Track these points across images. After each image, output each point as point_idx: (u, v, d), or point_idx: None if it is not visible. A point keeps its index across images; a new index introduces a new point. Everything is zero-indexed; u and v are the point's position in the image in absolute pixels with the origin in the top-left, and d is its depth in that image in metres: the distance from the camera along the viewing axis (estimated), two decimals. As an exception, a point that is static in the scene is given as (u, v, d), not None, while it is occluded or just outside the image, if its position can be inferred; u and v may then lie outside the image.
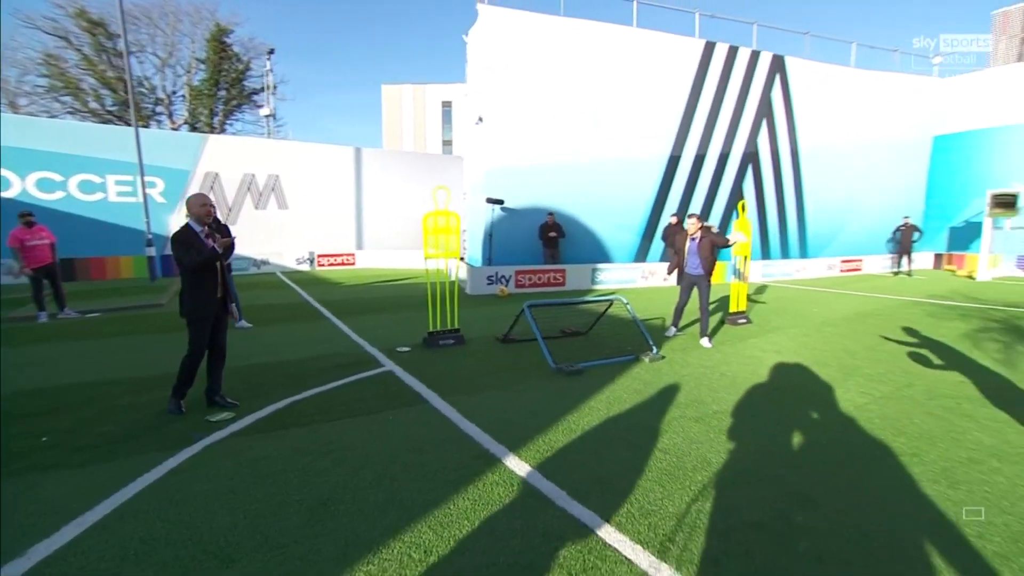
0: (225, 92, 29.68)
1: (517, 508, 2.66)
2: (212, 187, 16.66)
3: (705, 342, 6.59)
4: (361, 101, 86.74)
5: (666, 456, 3.28)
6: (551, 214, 12.85)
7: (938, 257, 17.57)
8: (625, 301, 6.83)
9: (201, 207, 4.01)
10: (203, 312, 3.99)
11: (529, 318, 5.96)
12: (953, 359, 5.71)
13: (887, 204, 17.58)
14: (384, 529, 2.46)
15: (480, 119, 12.48)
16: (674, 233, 13.71)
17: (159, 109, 26.96)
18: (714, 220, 15.26)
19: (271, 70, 23.00)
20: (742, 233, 7.53)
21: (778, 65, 15.42)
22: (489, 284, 11.84)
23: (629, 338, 6.83)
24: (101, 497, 2.74)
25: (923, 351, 6.06)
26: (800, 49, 15.85)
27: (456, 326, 6.83)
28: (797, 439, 3.54)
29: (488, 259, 12.57)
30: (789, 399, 4.41)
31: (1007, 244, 15.37)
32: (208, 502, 2.71)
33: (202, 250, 3.90)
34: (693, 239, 6.80)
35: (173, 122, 27.53)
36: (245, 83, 30.56)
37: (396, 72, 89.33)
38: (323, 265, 17.45)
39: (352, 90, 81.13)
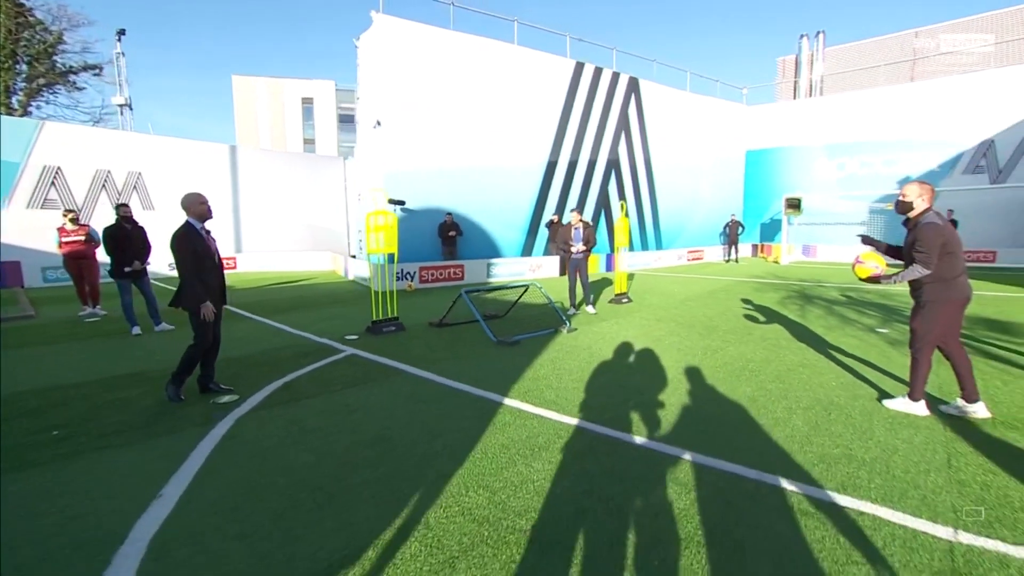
0: (28, 68, 25.00)
1: (526, 423, 3.70)
2: (54, 182, 14.59)
3: (590, 308, 8.27)
4: (206, 91, 77.94)
5: (609, 386, 4.56)
6: (449, 214, 13.78)
7: (755, 247, 22.10)
8: (539, 286, 8.14)
9: (200, 205, 4.31)
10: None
11: (468, 303, 6.95)
12: (773, 316, 7.95)
13: (718, 204, 21.55)
14: (441, 447, 3.33)
15: (378, 123, 12.93)
16: (556, 229, 15.61)
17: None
18: (585, 218, 17.45)
19: (122, 53, 20.14)
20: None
21: (634, 86, 18.11)
22: (396, 280, 12.40)
23: (542, 317, 8.11)
24: (179, 460, 3.16)
25: (755, 313, 8.28)
26: (650, 73, 18.74)
27: (396, 314, 7.51)
28: (690, 371, 5.06)
29: (391, 257, 13.08)
30: (676, 349, 6.00)
31: (798, 236, 20.00)
32: (282, 450, 3.31)
33: (207, 250, 4.22)
34: (576, 228, 8.42)
35: (-59, 98, 22.39)
36: (57, 59, 26.01)
37: (246, 63, 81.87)
38: (200, 270, 16.23)
39: (195, 78, 72.70)
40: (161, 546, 2.29)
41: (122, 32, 19.62)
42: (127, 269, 7.09)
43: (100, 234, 7.25)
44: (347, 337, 6.75)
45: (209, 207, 4.40)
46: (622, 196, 18.28)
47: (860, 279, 3.90)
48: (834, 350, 5.77)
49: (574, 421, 3.74)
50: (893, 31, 25.90)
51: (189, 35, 72.67)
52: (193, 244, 4.19)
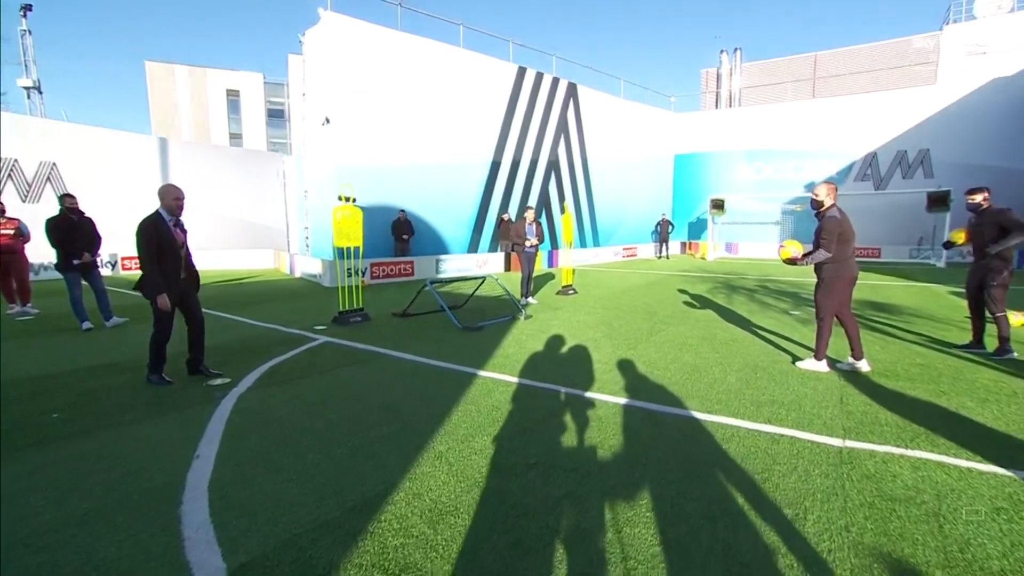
0: None
1: (508, 389, 4.25)
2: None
3: (531, 300, 8.96)
4: (112, 76, 71.57)
5: (572, 359, 5.20)
6: (402, 211, 14.02)
7: (683, 244, 23.90)
8: (496, 278, 8.70)
9: (175, 200, 4.41)
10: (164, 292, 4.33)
11: (435, 294, 7.38)
12: (704, 303, 8.99)
13: (650, 204, 23.09)
14: (439, 409, 3.81)
15: (327, 120, 12.93)
16: (507, 227, 16.25)
17: None
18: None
19: (28, 31, 18.27)
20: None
21: (572, 91, 19.09)
22: (348, 276, 12.47)
23: (498, 307, 8.67)
24: (198, 429, 3.42)
25: (688, 301, 9.30)
26: (586, 79, 19.83)
27: (361, 306, 7.78)
28: (640, 347, 5.81)
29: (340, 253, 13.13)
30: (625, 330, 6.76)
31: (721, 234, 21.89)
32: (295, 418, 3.64)
33: (172, 241, 4.32)
34: (531, 225, 9.12)
35: None
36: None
37: (159, 49, 76.03)
38: (129, 268, 15.34)
39: (97, 61, 66.60)
40: (221, 489, 2.62)
41: (28, 8, 17.79)
42: (76, 262, 6.89)
43: (43, 227, 6.95)
44: (316, 327, 6.98)
45: (182, 204, 4.48)
46: (563, 196, 19.21)
47: (782, 260, 4.85)
48: (757, 328, 6.77)
49: (549, 386, 4.34)
50: (798, 53, 29.04)
51: (92, 12, 66.50)
52: (158, 233, 4.25)
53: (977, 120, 18.22)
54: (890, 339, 6.02)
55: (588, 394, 4.12)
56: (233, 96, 47.77)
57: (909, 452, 2.98)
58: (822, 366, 4.73)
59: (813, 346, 4.90)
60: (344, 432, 3.39)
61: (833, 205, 4.65)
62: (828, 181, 4.84)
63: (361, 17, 13.30)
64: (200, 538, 2.20)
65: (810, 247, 4.76)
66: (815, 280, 4.82)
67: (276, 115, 47.86)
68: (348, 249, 7.71)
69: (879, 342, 5.83)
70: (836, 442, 3.14)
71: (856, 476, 2.72)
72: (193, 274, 4.73)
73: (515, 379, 4.55)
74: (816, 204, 4.73)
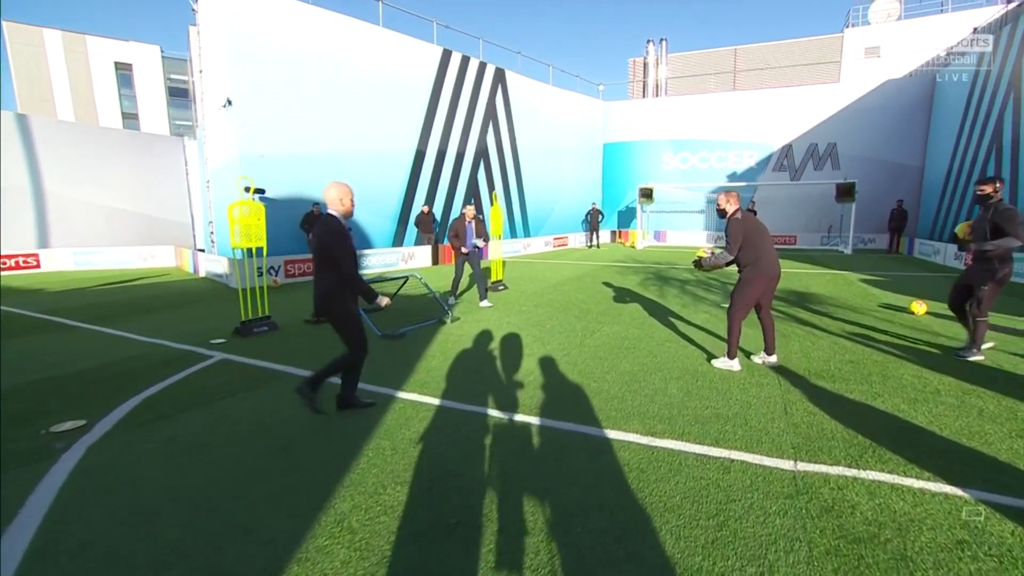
0: None
1: (429, 415, 3.72)
2: None
3: (484, 303, 8.35)
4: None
5: (502, 372, 4.74)
6: (316, 204, 12.88)
7: (613, 233, 24.16)
8: (419, 277, 8.06)
9: (352, 204, 3.73)
10: (355, 311, 3.73)
11: (351, 297, 6.63)
12: (637, 298, 8.86)
13: (580, 194, 23.08)
14: (347, 448, 3.21)
15: (229, 101, 11.56)
16: (427, 220, 15.54)
17: None
18: (456, 208, 17.55)
19: None
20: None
21: (500, 76, 18.51)
22: (260, 275, 11.31)
23: (423, 308, 8.07)
24: (12, 505, 2.62)
25: (622, 296, 9.14)
26: (514, 65, 19.32)
27: (267, 313, 6.90)
28: (574, 352, 5.45)
29: (250, 251, 11.88)
30: (558, 332, 6.40)
31: (650, 222, 22.32)
32: (159, 476, 2.91)
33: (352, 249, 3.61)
34: (470, 223, 8.49)
35: None
36: None
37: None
38: (-11, 270, 13.12)
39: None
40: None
41: None
42: None
43: None
44: (213, 341, 6.06)
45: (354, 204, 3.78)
46: (492, 186, 18.69)
47: (692, 263, 4.97)
48: (692, 325, 6.62)
49: (475, 408, 3.85)
50: (719, 46, 30.26)
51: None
52: (350, 239, 3.60)
53: (874, 117, 19.65)
54: (818, 333, 6.07)
55: (520, 417, 3.67)
56: (124, 70, 42.85)
57: (862, 474, 2.78)
58: (734, 364, 4.68)
59: (751, 346, 4.78)
60: (224, 490, 2.72)
61: (737, 210, 4.65)
62: (727, 190, 4.78)
63: (264, -14, 11.96)
64: None
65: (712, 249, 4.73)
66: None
67: (179, 94, 43.46)
68: (251, 249, 6.77)
69: (809, 337, 5.84)
70: (788, 465, 2.90)
71: (815, 511, 2.45)
72: None
73: (437, 400, 4.03)
74: (721, 212, 4.74)
